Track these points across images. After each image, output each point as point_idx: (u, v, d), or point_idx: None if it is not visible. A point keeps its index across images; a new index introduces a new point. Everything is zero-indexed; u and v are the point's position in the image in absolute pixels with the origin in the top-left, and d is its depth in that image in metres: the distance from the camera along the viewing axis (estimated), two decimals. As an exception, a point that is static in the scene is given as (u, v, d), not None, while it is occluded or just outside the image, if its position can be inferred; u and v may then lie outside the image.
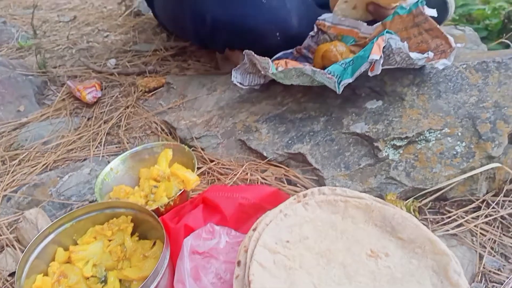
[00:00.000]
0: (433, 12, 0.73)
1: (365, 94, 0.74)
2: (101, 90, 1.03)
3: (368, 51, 0.64)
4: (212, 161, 0.75)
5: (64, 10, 1.76)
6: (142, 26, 1.36)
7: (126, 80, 1.06)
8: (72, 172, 0.76)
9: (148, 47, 1.20)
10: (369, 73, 0.64)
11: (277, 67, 0.80)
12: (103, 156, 0.82)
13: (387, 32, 0.66)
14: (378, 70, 0.64)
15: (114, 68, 1.12)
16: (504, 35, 2.26)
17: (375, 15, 0.84)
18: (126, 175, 0.70)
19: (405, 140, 0.66)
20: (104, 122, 0.92)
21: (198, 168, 0.74)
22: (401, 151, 0.66)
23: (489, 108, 0.66)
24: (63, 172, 0.77)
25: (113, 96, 1.01)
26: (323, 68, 0.83)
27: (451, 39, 0.69)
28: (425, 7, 0.73)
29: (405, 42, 0.64)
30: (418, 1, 0.74)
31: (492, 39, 2.22)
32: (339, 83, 0.67)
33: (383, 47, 0.64)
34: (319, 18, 0.88)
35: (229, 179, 0.70)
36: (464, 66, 0.72)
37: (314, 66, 0.85)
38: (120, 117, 0.93)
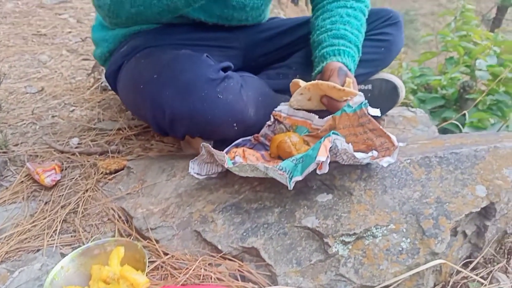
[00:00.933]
0: (376, 112, 0.78)
1: (316, 187, 0.77)
2: (61, 171, 1.02)
3: (316, 151, 0.67)
4: (166, 254, 0.75)
5: (32, 80, 1.78)
6: (108, 102, 1.39)
7: (87, 161, 1.06)
8: (23, 267, 0.74)
9: (113, 125, 1.22)
10: (318, 172, 0.67)
11: (234, 159, 0.83)
12: (56, 246, 0.81)
13: (333, 133, 0.70)
14: (325, 169, 0.67)
15: (76, 148, 1.13)
16: (458, 106, 2.40)
17: (328, 107, 0.89)
18: (77, 273, 0.69)
19: (353, 236, 0.68)
20: (62, 207, 0.91)
21: (152, 262, 0.73)
22: (350, 247, 0.68)
23: (432, 204, 0.70)
24: (14, 266, 0.75)
25: (73, 178, 1.01)
26: (278, 157, 0.86)
27: (393, 138, 0.74)
28: (369, 107, 0.78)
29: (350, 144, 0.68)
30: (362, 102, 0.79)
31: (449, 107, 2.36)
32: (290, 179, 0.69)
33: (330, 148, 0.67)
34: (276, 109, 0.93)
35: (183, 274, 0.70)
36: (408, 161, 0.76)
37: (270, 155, 0.88)
38: (78, 202, 0.92)
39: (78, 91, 1.58)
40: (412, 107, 2.27)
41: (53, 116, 1.35)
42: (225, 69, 0.88)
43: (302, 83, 0.88)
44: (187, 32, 1.08)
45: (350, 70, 0.97)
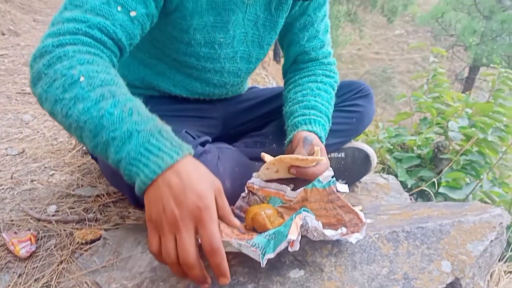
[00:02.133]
0: (344, 188, 0.81)
1: (289, 262, 0.78)
2: (37, 242, 1.02)
3: (288, 228, 0.70)
4: (138, 333, 0.74)
5: (14, 141, 1.79)
6: (88, 167, 1.40)
7: (64, 230, 1.06)
8: None
9: (91, 191, 1.23)
10: (289, 249, 0.69)
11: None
12: (26, 324, 0.79)
13: (304, 210, 0.73)
14: (296, 247, 0.69)
15: (53, 215, 1.13)
16: (434, 165, 2.47)
17: (298, 175, 0.92)
18: None
19: (324, 315, 0.69)
20: (35, 281, 0.90)
21: None
22: (321, 326, 0.69)
23: (400, 280, 0.72)
24: None
25: (48, 248, 1.00)
26: (253, 229, 0.88)
27: (361, 214, 0.77)
28: (337, 184, 0.82)
29: (320, 222, 0.71)
30: (330, 180, 0.83)
31: (425, 166, 2.42)
32: (263, 255, 0.71)
33: (301, 224, 0.70)
34: (249, 181, 0.96)
35: None
36: (377, 235, 0.79)
37: (245, 226, 0.90)
38: (52, 275, 0.91)
39: (59, 153, 1.60)
40: (389, 166, 2.33)
41: (32, 181, 1.35)
42: (203, 143, 0.92)
43: (267, 157, 0.91)
44: (168, 103, 1.13)
45: (320, 137, 1.02)
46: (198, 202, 0.66)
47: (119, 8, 0.80)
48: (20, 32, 4.41)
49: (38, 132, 1.91)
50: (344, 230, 0.74)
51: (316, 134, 1.02)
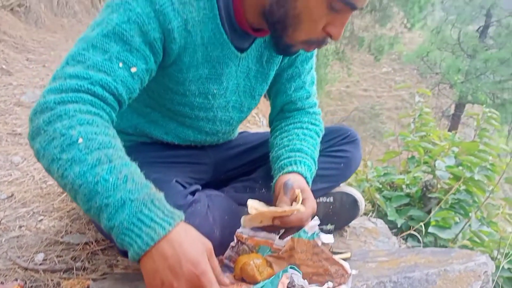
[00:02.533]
0: (329, 239, 0.83)
1: (278, 314, 0.78)
2: (23, 292, 1.01)
3: (275, 287, 0.70)
4: None
5: (3, 184, 1.78)
6: (77, 212, 1.40)
7: (51, 280, 1.05)
8: None
9: (80, 238, 1.23)
10: None
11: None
12: None
13: (290, 267, 0.74)
14: None
15: (41, 264, 1.12)
16: (423, 204, 2.49)
17: (283, 225, 0.94)
18: None
19: None
20: (19, 334, 0.89)
21: None
22: None
23: (388, 332, 0.72)
24: None
25: (34, 299, 0.99)
26: (242, 279, 0.88)
27: (346, 266, 0.78)
28: (321, 235, 0.83)
29: (306, 280, 0.72)
30: (314, 232, 0.84)
31: (414, 205, 2.44)
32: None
33: (288, 283, 0.71)
34: (238, 230, 0.97)
35: None
36: (364, 286, 0.80)
37: (234, 276, 0.90)
38: (37, 328, 0.90)
39: (48, 197, 1.59)
40: (378, 206, 2.35)
41: (20, 227, 1.34)
42: (193, 192, 0.94)
43: (251, 208, 0.92)
44: (159, 150, 1.15)
45: (306, 178, 1.05)
46: (194, 269, 0.69)
47: (120, 65, 0.83)
48: (12, 71, 4.45)
49: (28, 174, 1.90)
50: (330, 284, 0.75)
51: (301, 174, 1.04)
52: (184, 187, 0.97)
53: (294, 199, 0.95)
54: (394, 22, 15.20)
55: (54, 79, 0.81)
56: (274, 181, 1.07)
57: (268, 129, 1.31)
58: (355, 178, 2.60)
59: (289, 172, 1.04)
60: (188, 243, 0.71)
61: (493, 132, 2.54)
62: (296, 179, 1.02)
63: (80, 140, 0.73)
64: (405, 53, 13.65)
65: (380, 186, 2.52)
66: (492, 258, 1.92)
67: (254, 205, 0.92)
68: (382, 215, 2.24)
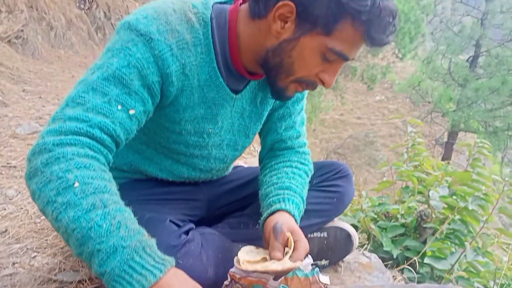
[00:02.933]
0: (326, 280, 0.83)
1: None
2: (14, 333, 0.99)
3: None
4: None
5: (-4, 219, 1.77)
6: (70, 249, 1.39)
7: (43, 320, 1.04)
8: None
9: (73, 276, 1.22)
10: None
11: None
12: None
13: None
14: None
15: (34, 303, 1.11)
16: (418, 234, 2.48)
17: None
18: None
19: None
20: None
21: None
22: None
23: None
24: None
25: None
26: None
27: (343, 303, 0.79)
28: (320, 275, 0.84)
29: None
30: (314, 270, 0.85)
31: (410, 235, 2.44)
32: None
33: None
34: (231, 270, 0.97)
35: None
36: (359, 324, 0.80)
37: (229, 315, 0.90)
38: None
39: (42, 233, 1.58)
40: (374, 236, 2.34)
41: (13, 264, 1.33)
42: (187, 231, 0.94)
43: (242, 260, 0.92)
44: (154, 187, 1.16)
45: (294, 215, 1.06)
46: None
47: (119, 107, 0.85)
48: (8, 102, 4.47)
49: (22, 208, 1.89)
50: None
51: (289, 212, 1.05)
52: (178, 225, 0.98)
53: (285, 243, 0.96)
54: (386, 52, 15.55)
55: (53, 120, 0.83)
56: (262, 218, 1.08)
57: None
58: (350, 208, 2.60)
59: (278, 210, 1.05)
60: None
61: (485, 163, 2.57)
62: (285, 218, 1.03)
63: (76, 184, 0.74)
64: (398, 82, 13.87)
65: (375, 216, 2.52)
66: (489, 289, 1.92)
67: (246, 258, 0.93)
68: (378, 246, 2.23)
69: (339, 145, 19.13)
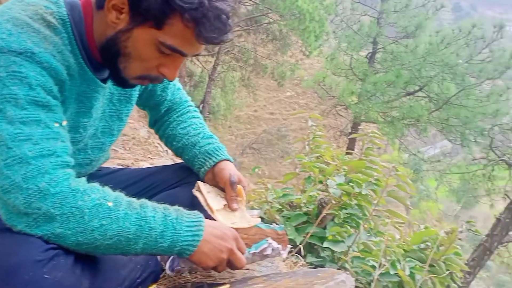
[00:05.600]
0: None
1: None
2: None
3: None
4: None
5: None
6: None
7: None
8: None
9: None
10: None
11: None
12: None
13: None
14: None
15: None
16: (320, 221, 2.62)
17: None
18: None
19: None
20: None
21: None
22: None
23: None
24: None
25: None
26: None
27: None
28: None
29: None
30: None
31: (312, 222, 2.57)
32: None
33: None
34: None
35: None
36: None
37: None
38: None
39: None
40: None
41: None
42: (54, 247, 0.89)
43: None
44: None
45: (231, 161, 1.27)
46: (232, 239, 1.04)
47: (55, 125, 0.91)
48: None
49: None
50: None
51: (229, 160, 1.26)
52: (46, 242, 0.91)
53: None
54: (294, 50, 16.14)
55: (14, 166, 0.83)
56: (203, 167, 1.25)
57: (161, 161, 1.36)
58: (257, 201, 2.68)
59: (221, 161, 1.24)
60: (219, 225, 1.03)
61: (387, 148, 2.79)
62: (231, 168, 1.24)
63: (110, 204, 0.90)
64: (306, 78, 14.49)
65: (280, 207, 2.64)
66: (380, 265, 2.08)
67: (210, 204, 1.13)
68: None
69: (253, 140, 19.54)
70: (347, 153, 3.03)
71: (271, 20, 13.13)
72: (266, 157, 18.66)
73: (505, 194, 8.86)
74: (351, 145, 10.32)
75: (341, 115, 11.50)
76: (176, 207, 1.00)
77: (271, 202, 2.67)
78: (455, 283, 2.27)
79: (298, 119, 19.81)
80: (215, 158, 1.25)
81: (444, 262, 2.27)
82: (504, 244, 9.30)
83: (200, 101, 12.24)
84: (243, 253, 1.04)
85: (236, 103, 17.27)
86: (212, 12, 0.89)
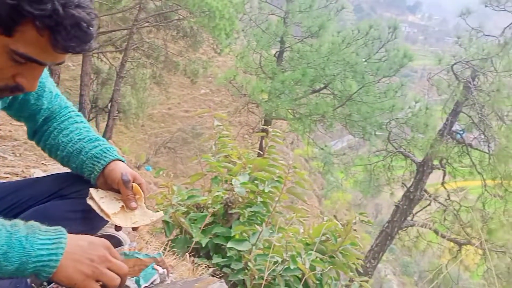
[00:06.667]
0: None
1: None
2: None
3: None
4: None
5: None
6: None
7: None
8: None
9: None
10: None
11: None
12: None
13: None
14: None
15: None
16: (226, 220, 2.63)
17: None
18: None
19: None
20: None
21: None
22: None
23: None
24: None
25: None
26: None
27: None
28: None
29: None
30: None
31: (218, 222, 2.58)
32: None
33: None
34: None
35: None
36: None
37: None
38: None
39: None
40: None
41: None
42: None
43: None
44: None
45: (123, 161, 1.19)
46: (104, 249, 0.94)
47: None
48: None
49: None
50: None
51: (120, 159, 1.19)
52: None
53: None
54: (206, 47, 16.07)
55: None
56: (93, 172, 1.17)
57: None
58: (160, 205, 2.62)
59: (110, 162, 1.17)
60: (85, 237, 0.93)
61: (298, 142, 2.88)
62: (123, 167, 1.17)
63: None
64: (220, 75, 14.55)
65: (186, 209, 2.61)
66: (283, 261, 2.14)
67: (106, 210, 1.07)
68: (191, 237, 2.31)
69: (168, 139, 19.16)
70: (259, 151, 3.08)
71: (181, 16, 12.97)
72: (182, 156, 18.41)
73: (402, 183, 9.71)
74: (263, 142, 10.55)
75: (253, 113, 11.71)
76: (31, 222, 0.90)
77: (175, 205, 2.63)
78: (357, 270, 2.42)
79: (212, 117, 19.81)
80: (104, 160, 1.17)
81: (341, 253, 2.42)
82: (403, 229, 10.18)
83: (109, 99, 11.71)
84: (118, 259, 0.97)
85: (148, 101, 16.84)
86: (68, 20, 0.85)
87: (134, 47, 13.23)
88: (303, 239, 2.58)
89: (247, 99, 10.89)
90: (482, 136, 8.72)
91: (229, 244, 2.22)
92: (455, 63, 8.39)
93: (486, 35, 8.92)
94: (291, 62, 10.93)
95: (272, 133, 2.93)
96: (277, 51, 11.52)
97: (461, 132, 9.19)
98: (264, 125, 10.80)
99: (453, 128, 9.02)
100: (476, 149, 9.04)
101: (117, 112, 12.98)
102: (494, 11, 8.89)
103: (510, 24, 8.73)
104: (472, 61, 8.09)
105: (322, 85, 10.32)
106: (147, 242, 2.18)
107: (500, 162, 8.29)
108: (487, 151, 8.59)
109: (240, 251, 2.27)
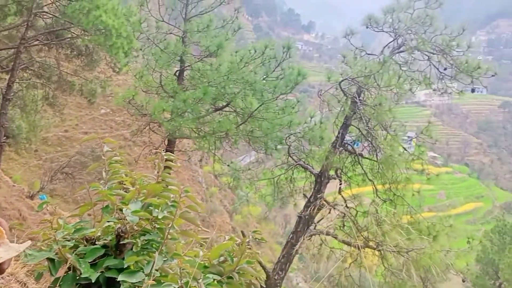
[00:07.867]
0: None
1: None
2: None
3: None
4: None
5: None
6: None
7: None
8: None
9: None
10: None
11: None
12: None
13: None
14: None
15: None
16: (119, 251, 2.52)
17: None
18: None
19: None
20: None
21: None
22: None
23: None
24: None
25: None
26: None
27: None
28: None
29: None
30: None
31: (111, 254, 2.45)
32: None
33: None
34: None
35: None
36: None
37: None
38: None
39: None
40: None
41: None
42: None
43: None
44: None
45: None
46: None
47: None
48: None
49: None
50: None
51: None
52: None
53: None
54: (103, 66, 15.42)
55: None
56: None
57: None
58: (45, 242, 2.43)
59: None
60: None
61: (207, 160, 2.87)
62: None
63: None
64: (121, 94, 14.08)
65: (72, 244, 2.45)
66: (178, 288, 2.11)
67: None
68: (80, 273, 2.18)
69: (65, 164, 17.91)
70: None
71: (75, 34, 12.37)
72: (81, 180, 17.29)
73: (304, 194, 10.16)
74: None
75: (155, 133, 11.47)
76: None
77: (60, 241, 2.46)
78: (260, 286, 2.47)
79: (116, 137, 19.03)
80: None
81: (238, 272, 2.45)
82: (308, 238, 10.62)
83: (-7, 124, 10.67)
84: None
85: (42, 124, 15.68)
86: None
87: (23, 67, 12.31)
88: (202, 262, 2.57)
89: (148, 119, 10.64)
90: (371, 146, 9.49)
91: (120, 277, 2.13)
92: (342, 80, 9.06)
93: (369, 54, 9.78)
94: (192, 81, 10.92)
95: (166, 156, 2.89)
96: (177, 70, 11.43)
97: (353, 143, 9.91)
98: (168, 145, 10.62)
99: (345, 140, 9.69)
100: (367, 158, 9.81)
101: (5, 137, 11.91)
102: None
103: (388, 44, 9.69)
104: (357, 78, 8.81)
105: (224, 103, 10.46)
106: (23, 284, 2.02)
107: (387, 168, 9.09)
108: (375, 159, 9.35)
109: (134, 283, 2.19)
